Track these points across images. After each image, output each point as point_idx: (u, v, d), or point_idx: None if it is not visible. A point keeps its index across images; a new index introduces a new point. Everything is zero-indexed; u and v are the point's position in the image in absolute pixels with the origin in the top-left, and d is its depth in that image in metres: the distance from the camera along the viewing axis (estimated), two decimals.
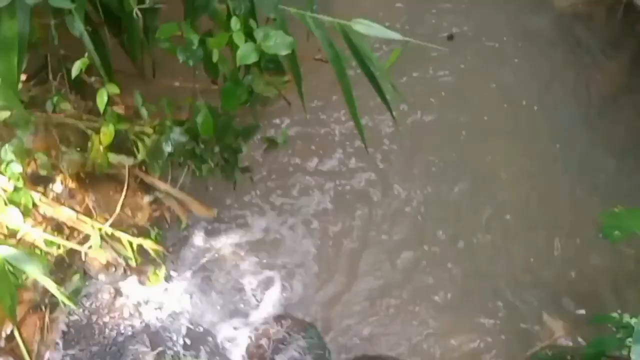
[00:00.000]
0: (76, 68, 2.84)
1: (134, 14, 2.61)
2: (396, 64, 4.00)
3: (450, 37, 4.54)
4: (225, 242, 3.93)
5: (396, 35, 2.76)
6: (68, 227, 3.48)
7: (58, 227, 3.47)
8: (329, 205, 4.07)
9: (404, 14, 4.61)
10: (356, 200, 4.09)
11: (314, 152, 4.19)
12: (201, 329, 3.72)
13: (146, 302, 3.72)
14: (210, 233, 3.94)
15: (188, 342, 3.68)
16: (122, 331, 3.64)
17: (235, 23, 2.75)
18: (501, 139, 4.31)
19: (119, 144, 3.35)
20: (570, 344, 3.71)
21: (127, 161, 3.45)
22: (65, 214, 3.40)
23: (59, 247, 3.42)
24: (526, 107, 4.41)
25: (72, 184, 3.51)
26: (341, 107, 4.15)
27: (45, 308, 3.55)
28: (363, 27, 2.72)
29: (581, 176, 4.19)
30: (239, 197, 4.01)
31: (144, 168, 3.60)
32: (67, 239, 3.47)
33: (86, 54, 2.86)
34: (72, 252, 3.53)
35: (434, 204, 4.11)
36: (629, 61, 4.52)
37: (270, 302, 3.81)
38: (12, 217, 3.12)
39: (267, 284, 3.87)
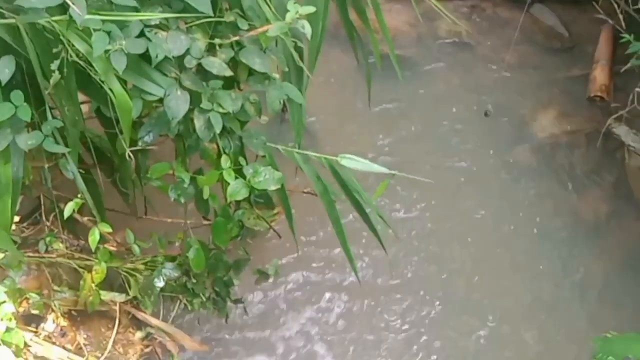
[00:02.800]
0: (68, 209, 2.86)
1: (127, 156, 2.63)
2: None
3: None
4: None
5: (383, 169, 2.82)
6: None
7: None
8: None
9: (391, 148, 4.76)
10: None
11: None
12: None
13: None
14: None
15: None
16: None
17: (225, 161, 2.80)
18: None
19: (111, 281, 3.36)
20: None
21: (119, 298, 3.44)
22: (56, 354, 3.35)
23: None
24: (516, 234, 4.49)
25: (63, 322, 3.47)
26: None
27: None
28: (349, 161, 2.78)
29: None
30: (232, 330, 3.97)
31: (135, 303, 3.58)
32: None
33: (79, 195, 2.86)
34: None
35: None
36: (611, 187, 4.61)
37: None
38: (4, 358, 3.07)
39: None
